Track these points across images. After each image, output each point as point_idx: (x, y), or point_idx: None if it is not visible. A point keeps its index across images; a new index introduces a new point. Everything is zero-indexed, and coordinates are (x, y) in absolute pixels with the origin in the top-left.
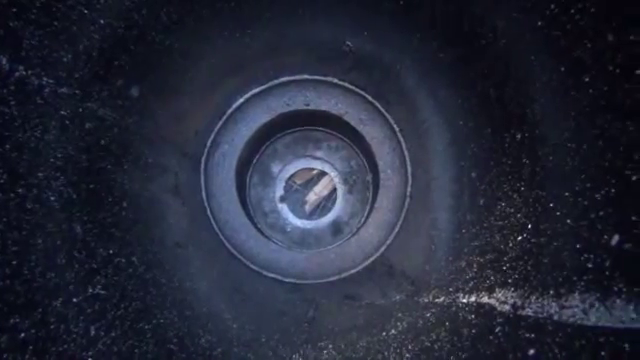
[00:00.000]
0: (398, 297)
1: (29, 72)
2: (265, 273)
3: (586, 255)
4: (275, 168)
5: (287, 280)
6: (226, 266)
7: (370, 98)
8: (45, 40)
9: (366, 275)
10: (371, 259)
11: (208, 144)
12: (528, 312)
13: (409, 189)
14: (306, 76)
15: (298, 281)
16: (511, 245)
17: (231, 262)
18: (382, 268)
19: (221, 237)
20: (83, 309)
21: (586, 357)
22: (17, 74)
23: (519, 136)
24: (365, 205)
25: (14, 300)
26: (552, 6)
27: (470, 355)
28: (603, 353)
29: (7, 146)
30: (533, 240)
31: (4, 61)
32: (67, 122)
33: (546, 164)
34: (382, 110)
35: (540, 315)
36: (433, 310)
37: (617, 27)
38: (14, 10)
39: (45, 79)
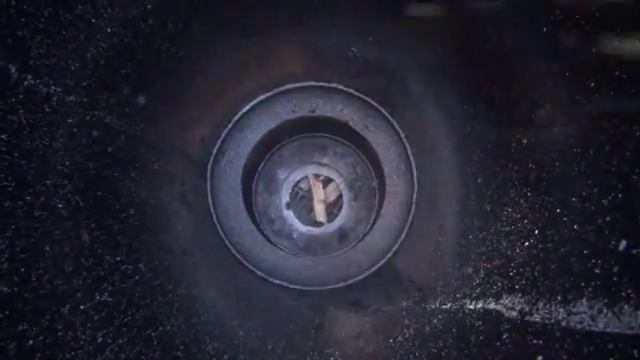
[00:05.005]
0: (405, 304)
1: (37, 81)
2: (271, 279)
3: (593, 261)
4: (281, 175)
5: (293, 286)
6: (232, 273)
7: (375, 104)
8: (53, 49)
9: (372, 281)
10: (377, 265)
11: (214, 151)
12: (536, 318)
13: (415, 195)
14: (311, 83)
15: (304, 287)
16: (518, 251)
17: (237, 269)
18: (388, 274)
19: (227, 244)
20: (90, 316)
21: None
22: (26, 83)
23: (525, 141)
24: (371, 211)
25: (22, 307)
26: (557, 11)
27: None
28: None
29: (15, 154)
30: (540, 246)
31: (13, 70)
32: (74, 130)
33: (552, 169)
34: (387, 116)
35: (548, 321)
36: (440, 316)
37: (623, 32)
38: (22, 19)
39: (53, 87)
